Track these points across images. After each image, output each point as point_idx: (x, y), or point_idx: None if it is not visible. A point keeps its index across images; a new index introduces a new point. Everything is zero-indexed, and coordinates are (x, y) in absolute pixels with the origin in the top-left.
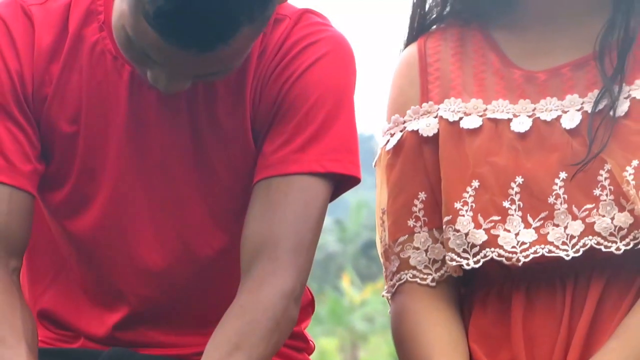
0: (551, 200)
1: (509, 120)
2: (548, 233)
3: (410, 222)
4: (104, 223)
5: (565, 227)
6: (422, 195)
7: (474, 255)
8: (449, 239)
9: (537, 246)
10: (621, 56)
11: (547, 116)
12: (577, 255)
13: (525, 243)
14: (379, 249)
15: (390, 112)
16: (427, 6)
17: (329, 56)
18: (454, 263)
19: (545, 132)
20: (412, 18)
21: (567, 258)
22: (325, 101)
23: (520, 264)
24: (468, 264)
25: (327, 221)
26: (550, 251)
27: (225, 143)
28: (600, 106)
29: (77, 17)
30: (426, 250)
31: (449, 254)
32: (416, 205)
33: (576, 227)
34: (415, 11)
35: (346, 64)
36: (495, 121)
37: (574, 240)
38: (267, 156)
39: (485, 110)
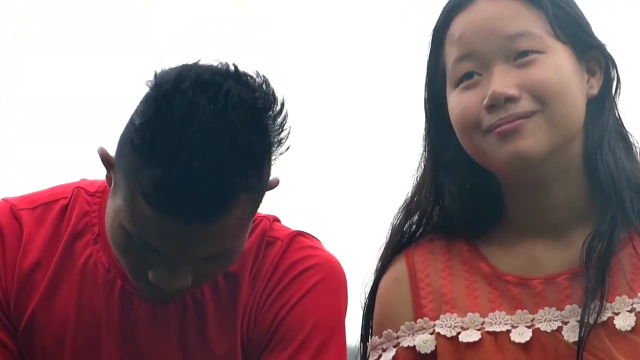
0: None
1: (508, 331)
2: None
3: None
4: None
5: None
6: None
7: None
8: None
9: None
10: (601, 272)
11: (547, 327)
12: None
13: None
14: None
15: (379, 326)
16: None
17: (323, 283)
18: None
19: (548, 343)
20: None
21: None
22: (321, 329)
23: None
24: None
25: None
26: None
27: None
28: (599, 320)
29: (70, 230)
30: None
31: None
32: None
33: None
34: (391, 238)
35: (339, 290)
36: (494, 334)
37: None
38: None
39: (482, 323)
